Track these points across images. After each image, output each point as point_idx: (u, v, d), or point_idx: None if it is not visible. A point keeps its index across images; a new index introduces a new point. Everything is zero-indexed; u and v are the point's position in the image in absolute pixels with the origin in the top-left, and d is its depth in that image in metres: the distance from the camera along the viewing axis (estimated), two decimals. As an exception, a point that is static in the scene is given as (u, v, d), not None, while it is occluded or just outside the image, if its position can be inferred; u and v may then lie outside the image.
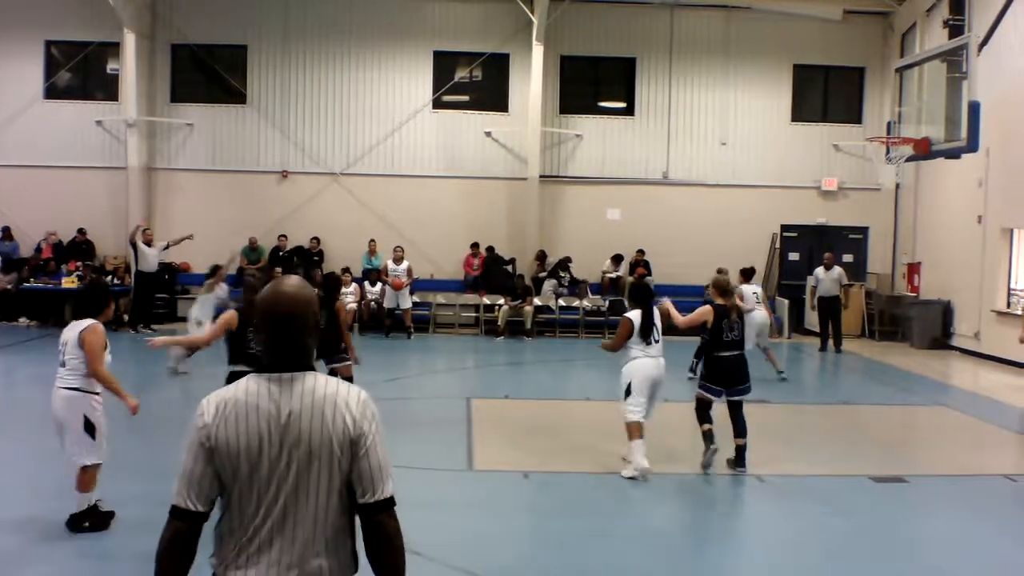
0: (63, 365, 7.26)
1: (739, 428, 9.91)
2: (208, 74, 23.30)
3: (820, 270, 19.97)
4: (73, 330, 7.31)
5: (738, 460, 9.87)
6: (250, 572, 2.90)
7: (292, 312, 3.02)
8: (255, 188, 23.03)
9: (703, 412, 9.91)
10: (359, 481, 2.96)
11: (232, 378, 7.44)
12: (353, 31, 23.02)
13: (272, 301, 3.04)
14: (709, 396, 9.88)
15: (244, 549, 2.92)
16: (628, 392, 9.57)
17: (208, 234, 22.31)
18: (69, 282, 20.57)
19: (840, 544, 7.82)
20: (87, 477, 7.29)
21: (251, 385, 2.98)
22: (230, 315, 8.27)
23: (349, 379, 11.33)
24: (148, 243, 20.55)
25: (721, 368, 9.88)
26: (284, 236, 22.53)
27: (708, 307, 9.98)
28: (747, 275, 16.30)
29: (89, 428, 7.24)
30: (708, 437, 9.83)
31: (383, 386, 14.38)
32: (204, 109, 23.10)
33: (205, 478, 2.92)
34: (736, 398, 9.95)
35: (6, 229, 22.32)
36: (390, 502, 2.99)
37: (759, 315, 15.55)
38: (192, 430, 2.95)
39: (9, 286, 20.75)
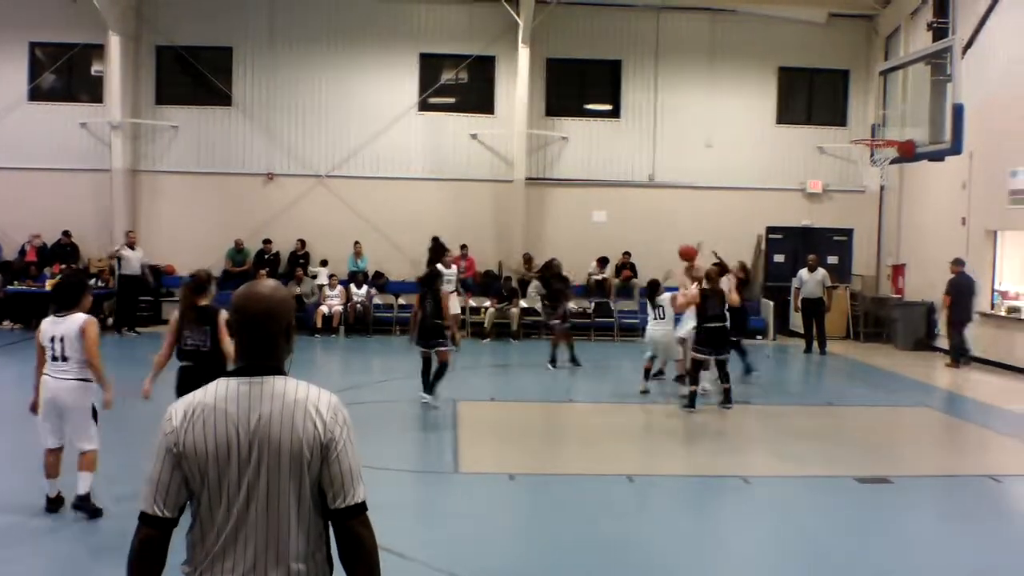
0: (63, 359, 7.57)
1: (723, 376, 13.11)
2: (193, 76, 23.21)
3: (804, 272, 20.05)
4: (68, 324, 7.61)
5: (725, 399, 13.11)
6: None
7: (265, 313, 2.99)
8: (240, 190, 22.96)
9: (696, 372, 13.03)
10: (330, 486, 2.91)
11: (181, 373, 8.05)
12: (339, 33, 22.98)
13: (245, 301, 3.02)
14: (702, 356, 12.86)
15: (216, 556, 2.89)
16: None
17: (193, 236, 22.30)
18: (53, 285, 20.45)
19: (825, 545, 7.84)
20: (91, 459, 7.74)
21: (220, 389, 2.94)
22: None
23: (445, 364, 12.50)
24: (131, 246, 20.52)
25: (709, 335, 12.86)
26: (269, 241, 22.46)
27: (697, 291, 13.01)
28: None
29: (94, 415, 7.78)
30: (693, 396, 12.93)
31: (370, 388, 14.40)
32: (189, 111, 23.02)
33: (173, 484, 2.89)
34: (721, 357, 13.05)
35: (-11, 231, 22.21)
36: (362, 507, 2.96)
37: None
38: (159, 435, 2.92)
39: (-6, 289, 20.63)
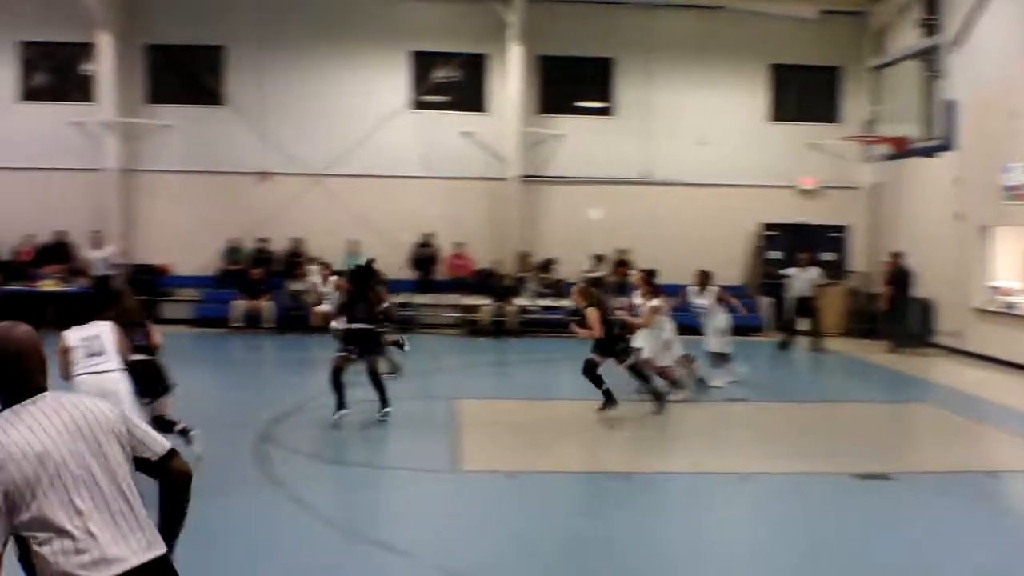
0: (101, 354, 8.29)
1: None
2: (185, 75, 23.14)
3: (795, 270, 20.04)
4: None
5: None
6: (102, 568, 3.11)
7: (18, 352, 3.37)
8: (234, 189, 22.87)
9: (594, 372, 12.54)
10: (143, 446, 3.47)
11: None
12: (329, 31, 22.90)
13: (2, 343, 3.39)
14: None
15: (87, 548, 3.10)
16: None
17: (187, 236, 22.22)
18: (50, 285, 20.41)
19: (825, 543, 7.86)
20: None
21: (13, 415, 3.27)
22: None
23: (375, 371, 11.96)
24: (99, 246, 20.92)
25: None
26: (265, 239, 22.39)
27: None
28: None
29: None
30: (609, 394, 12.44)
31: (366, 387, 14.31)
32: (181, 110, 22.89)
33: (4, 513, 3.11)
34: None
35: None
36: (175, 450, 3.57)
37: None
38: None
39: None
